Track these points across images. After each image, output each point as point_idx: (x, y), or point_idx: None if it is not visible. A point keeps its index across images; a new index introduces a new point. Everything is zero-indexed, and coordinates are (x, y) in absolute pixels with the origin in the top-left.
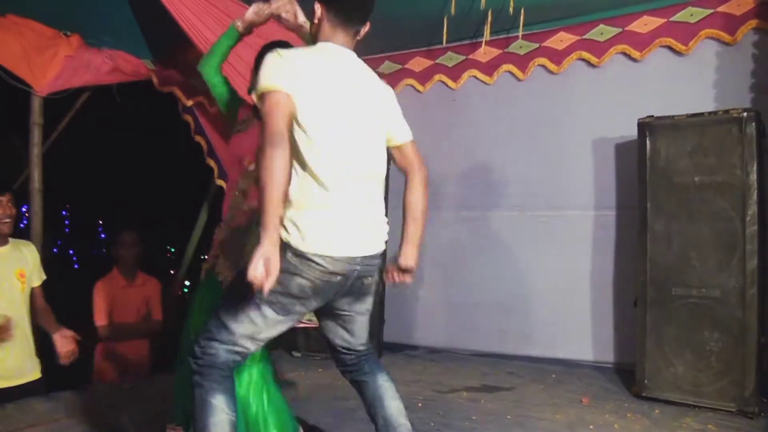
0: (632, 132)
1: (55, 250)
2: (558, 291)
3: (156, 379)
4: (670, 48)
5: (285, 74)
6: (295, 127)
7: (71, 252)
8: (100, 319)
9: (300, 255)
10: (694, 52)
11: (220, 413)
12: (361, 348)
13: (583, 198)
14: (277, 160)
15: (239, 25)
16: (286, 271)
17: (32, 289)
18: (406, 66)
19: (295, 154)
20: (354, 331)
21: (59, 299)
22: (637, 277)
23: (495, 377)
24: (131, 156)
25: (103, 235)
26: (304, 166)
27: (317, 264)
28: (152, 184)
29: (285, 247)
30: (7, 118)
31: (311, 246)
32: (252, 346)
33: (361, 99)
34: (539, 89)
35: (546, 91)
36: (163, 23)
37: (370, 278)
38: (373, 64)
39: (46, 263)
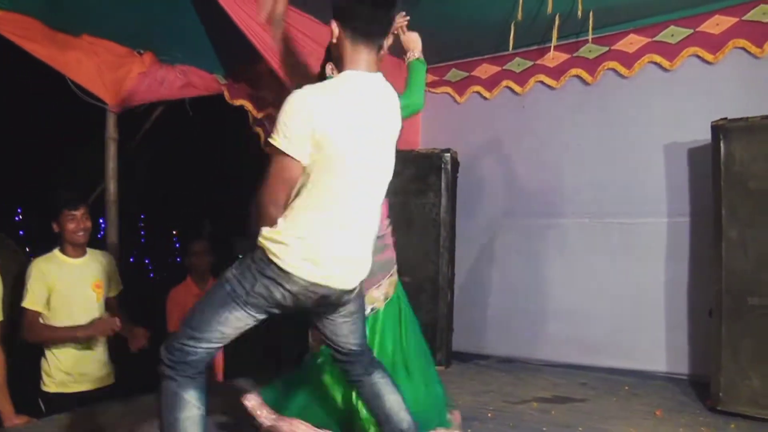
0: (706, 136)
1: (131, 259)
2: (630, 300)
3: (228, 384)
4: (744, 49)
5: (300, 134)
6: (309, 165)
7: (147, 261)
8: (173, 327)
9: (284, 272)
10: None
11: (191, 408)
12: (354, 348)
13: (656, 204)
14: (273, 216)
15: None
16: (271, 279)
17: (108, 299)
18: (472, 73)
19: (306, 185)
20: (341, 333)
21: (136, 308)
22: (712, 287)
23: (567, 388)
24: (204, 167)
25: (177, 245)
26: (310, 196)
27: (300, 279)
28: (224, 193)
29: (270, 262)
30: (84, 133)
31: (295, 270)
32: (226, 341)
33: (376, 139)
34: (608, 93)
35: (616, 95)
36: (233, 38)
37: (348, 295)
38: (440, 73)
39: (123, 273)
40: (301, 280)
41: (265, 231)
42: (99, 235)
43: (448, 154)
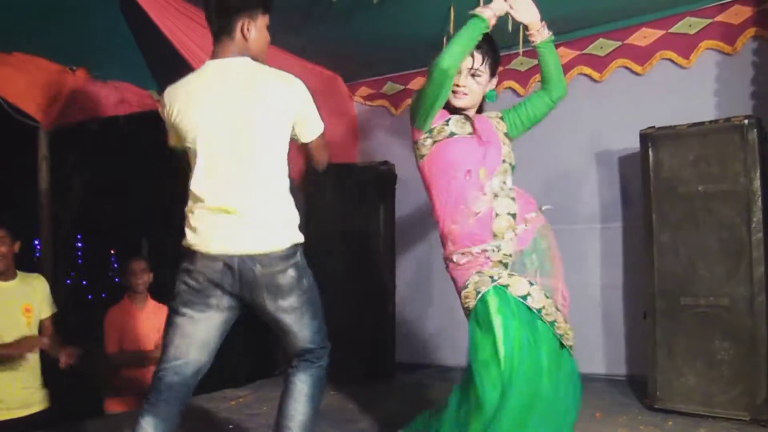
0: (635, 143)
1: (68, 281)
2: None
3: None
4: (671, 61)
5: (168, 124)
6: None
7: (84, 282)
8: (111, 347)
9: (187, 249)
10: (695, 65)
11: None
12: (307, 346)
13: (589, 211)
14: None
15: (489, 15)
16: (183, 270)
17: (41, 321)
18: (408, 86)
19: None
20: (286, 330)
21: (74, 329)
22: (646, 289)
23: None
24: (141, 185)
25: (116, 265)
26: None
27: (198, 255)
28: (161, 211)
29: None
30: (16, 153)
31: (190, 242)
32: (184, 356)
33: (235, 106)
34: None
35: None
36: (167, 54)
37: (273, 272)
38: (376, 86)
39: (59, 295)
40: (194, 250)
41: None
42: (35, 255)
43: (386, 167)
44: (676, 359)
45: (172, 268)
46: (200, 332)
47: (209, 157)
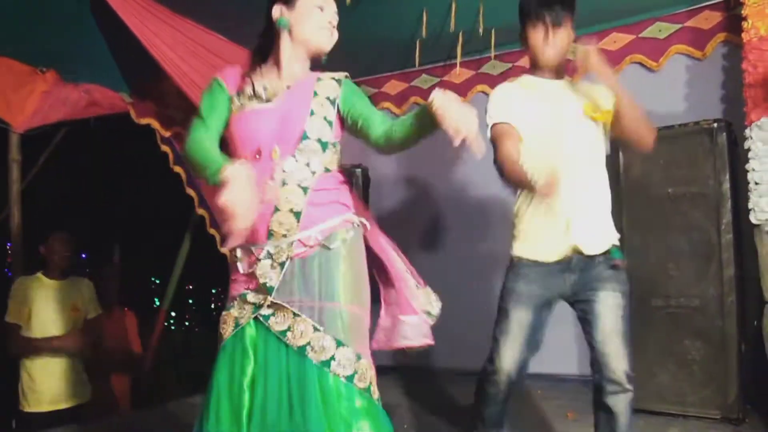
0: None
1: None
2: None
3: (138, 414)
4: (641, 64)
5: None
6: None
7: None
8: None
9: None
10: (664, 68)
11: None
12: None
13: None
14: None
15: None
16: None
17: (87, 321)
18: (382, 89)
19: None
20: None
21: None
22: None
23: None
24: (112, 188)
25: (87, 269)
26: None
27: None
28: (134, 215)
29: None
30: None
31: None
32: None
33: None
34: None
35: None
36: (139, 56)
37: None
38: None
39: None
40: None
41: None
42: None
43: (359, 170)
44: (648, 359)
45: (145, 271)
46: None
47: None
